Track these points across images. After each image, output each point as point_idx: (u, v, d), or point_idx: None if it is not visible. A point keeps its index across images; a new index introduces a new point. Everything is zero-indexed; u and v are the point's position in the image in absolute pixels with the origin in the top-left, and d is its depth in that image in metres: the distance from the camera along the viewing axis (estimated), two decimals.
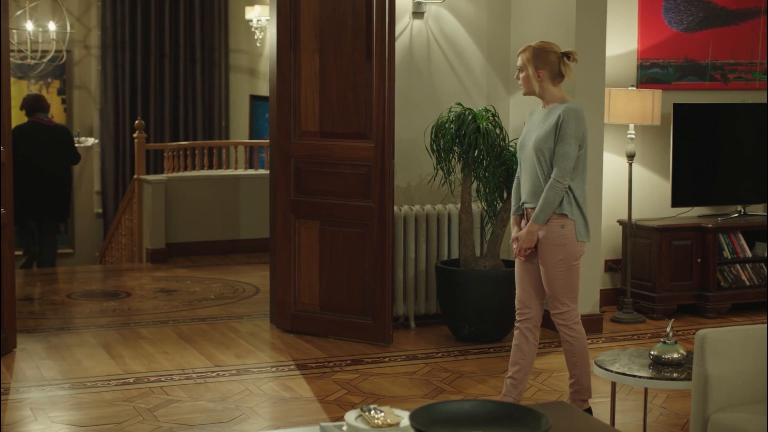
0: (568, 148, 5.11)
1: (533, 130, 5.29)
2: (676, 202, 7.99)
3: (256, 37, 12.40)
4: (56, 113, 14.08)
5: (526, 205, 5.33)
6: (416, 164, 7.44)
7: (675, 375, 4.77)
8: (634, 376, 4.80)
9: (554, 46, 5.29)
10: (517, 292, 5.45)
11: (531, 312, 5.40)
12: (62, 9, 12.97)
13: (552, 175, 5.14)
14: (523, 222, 5.37)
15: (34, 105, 10.02)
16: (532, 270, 5.35)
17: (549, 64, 5.22)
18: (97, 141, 13.89)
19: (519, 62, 5.31)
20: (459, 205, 7.19)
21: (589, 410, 5.48)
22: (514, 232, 5.42)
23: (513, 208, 5.45)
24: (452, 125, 6.94)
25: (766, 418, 3.96)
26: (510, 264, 7.18)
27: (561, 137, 5.12)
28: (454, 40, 7.56)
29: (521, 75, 5.29)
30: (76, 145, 11.05)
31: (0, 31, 6.46)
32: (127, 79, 13.87)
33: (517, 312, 5.44)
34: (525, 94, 5.35)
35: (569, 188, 5.17)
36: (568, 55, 5.26)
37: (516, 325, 5.44)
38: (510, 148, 6.99)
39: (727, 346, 4.17)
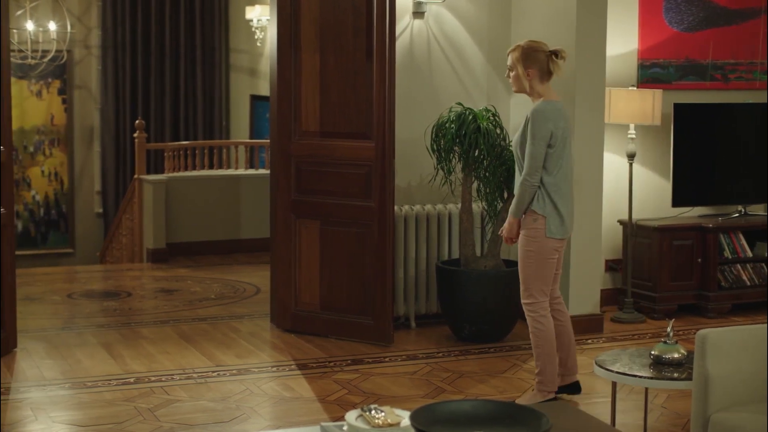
0: (532, 147, 5.40)
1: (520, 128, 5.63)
2: (677, 202, 7.99)
3: (256, 36, 12.40)
4: (57, 114, 14.08)
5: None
6: (417, 164, 7.43)
7: (675, 375, 4.77)
8: (635, 375, 4.80)
9: (543, 44, 5.55)
10: None
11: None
12: (63, 9, 12.97)
13: (522, 173, 5.46)
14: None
15: None
16: None
17: (538, 63, 5.48)
18: None
19: (509, 61, 5.57)
20: (459, 205, 7.19)
21: (553, 400, 5.64)
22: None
23: None
24: (453, 125, 6.93)
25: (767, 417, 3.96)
26: (510, 264, 7.19)
27: (529, 136, 5.42)
28: (454, 40, 7.56)
29: (511, 74, 5.56)
30: None
31: (0, 30, 6.46)
32: (128, 78, 13.87)
33: None
34: (516, 92, 5.64)
35: (542, 185, 5.46)
36: (556, 53, 5.52)
37: None
38: (510, 148, 6.99)
39: (727, 346, 4.17)
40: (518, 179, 5.56)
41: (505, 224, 5.65)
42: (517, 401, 5.59)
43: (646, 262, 7.83)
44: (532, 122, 5.41)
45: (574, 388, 5.82)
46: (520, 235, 5.59)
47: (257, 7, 12.08)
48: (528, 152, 5.41)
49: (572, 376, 5.82)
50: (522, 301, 5.65)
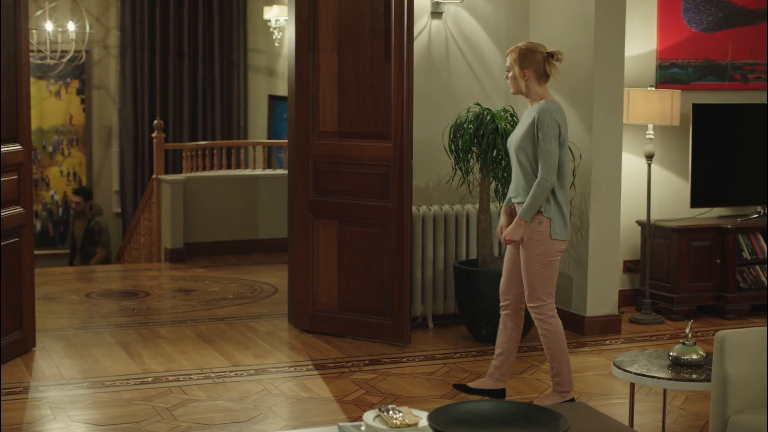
0: (549, 146, 5.37)
1: (518, 128, 5.57)
2: (696, 202, 7.96)
3: (274, 37, 12.42)
4: (75, 114, 14.13)
5: (513, 200, 5.62)
6: (435, 164, 7.43)
7: (694, 376, 4.76)
8: (653, 377, 4.79)
9: (540, 46, 5.55)
10: (501, 280, 5.77)
11: (510, 300, 5.72)
12: (81, 9, 13.01)
13: (538, 174, 5.39)
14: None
15: None
16: (515, 261, 5.65)
17: (534, 64, 5.48)
18: None
19: (507, 62, 5.58)
20: (477, 206, 7.18)
21: (571, 401, 5.62)
22: (501, 220, 5.73)
23: (505, 200, 5.75)
24: (471, 125, 6.93)
25: None
26: None
27: (540, 137, 5.39)
28: (472, 41, 7.55)
29: (509, 75, 5.57)
30: None
31: (20, 31, 6.49)
32: (146, 79, 13.91)
33: (500, 299, 5.77)
34: (513, 93, 5.63)
35: None
36: (553, 54, 5.50)
37: (500, 312, 5.77)
38: None
39: (746, 347, 4.16)
40: (516, 180, 5.53)
41: (512, 225, 5.49)
42: (535, 402, 5.59)
43: (665, 262, 7.81)
44: (541, 122, 5.38)
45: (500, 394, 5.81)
46: (525, 241, 5.51)
47: (275, 8, 12.10)
48: (544, 152, 5.37)
49: (504, 381, 5.82)
50: (528, 305, 5.61)
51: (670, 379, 4.76)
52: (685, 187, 8.06)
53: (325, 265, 7.12)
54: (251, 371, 6.38)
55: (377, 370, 6.41)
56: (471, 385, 5.86)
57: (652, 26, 7.98)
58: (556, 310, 5.63)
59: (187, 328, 7.49)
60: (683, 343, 4.91)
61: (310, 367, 6.48)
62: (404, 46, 6.70)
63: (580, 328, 7.25)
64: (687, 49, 8.09)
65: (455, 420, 3.27)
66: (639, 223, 7.94)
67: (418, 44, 7.31)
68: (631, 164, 7.82)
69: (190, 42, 14.04)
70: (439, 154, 7.30)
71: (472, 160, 7.03)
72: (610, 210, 7.27)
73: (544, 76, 5.48)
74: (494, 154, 6.90)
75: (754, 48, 8.27)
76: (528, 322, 7.08)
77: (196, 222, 10.81)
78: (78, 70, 13.80)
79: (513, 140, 5.55)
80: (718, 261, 7.82)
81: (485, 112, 6.95)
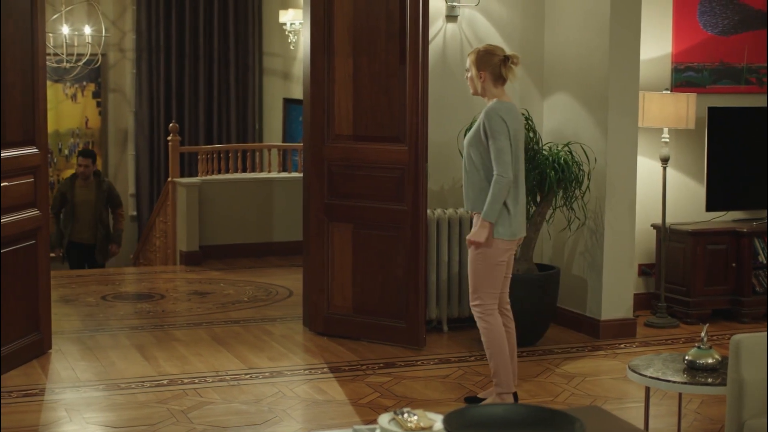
0: (499, 143, 5.43)
1: (472, 128, 5.66)
2: (711, 206, 7.94)
3: (289, 40, 12.44)
4: (91, 117, 14.17)
5: (465, 200, 5.67)
6: (449, 167, 7.43)
7: (710, 380, 4.75)
8: (669, 381, 4.78)
9: (499, 49, 5.64)
10: None
11: None
12: (98, 12, 13.05)
13: (494, 172, 5.43)
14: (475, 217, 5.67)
15: None
16: None
17: (491, 66, 5.56)
18: None
19: (467, 64, 5.68)
20: None
21: (514, 395, 5.64)
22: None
23: None
24: None
25: None
26: (543, 267, 7.17)
27: (490, 135, 5.45)
28: (487, 44, 7.54)
29: (468, 75, 5.66)
30: None
31: (37, 34, 6.52)
32: (162, 82, 13.95)
33: None
34: (472, 93, 5.71)
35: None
36: (509, 58, 5.58)
37: None
38: (543, 152, 6.98)
39: (762, 351, 4.15)
40: (466, 179, 5.57)
41: (477, 228, 5.49)
42: (480, 396, 5.75)
43: (680, 266, 7.79)
44: (487, 120, 5.45)
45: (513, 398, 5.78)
46: (468, 237, 5.58)
47: (290, 11, 12.12)
48: (494, 149, 5.42)
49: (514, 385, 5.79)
50: (471, 303, 5.65)
51: (685, 383, 4.75)
52: (700, 191, 8.04)
53: (340, 268, 7.13)
54: (266, 374, 6.39)
55: (392, 373, 6.41)
56: (482, 395, 5.85)
57: (668, 29, 7.97)
58: (496, 309, 5.62)
59: (202, 330, 7.51)
60: (699, 347, 4.90)
61: (324, 369, 6.49)
62: (419, 49, 6.70)
63: (595, 332, 7.24)
64: (702, 52, 8.07)
65: (470, 423, 3.27)
66: (654, 226, 7.93)
67: (433, 47, 7.31)
68: (647, 167, 7.81)
69: (205, 45, 14.07)
70: (454, 157, 7.30)
71: None
72: (625, 213, 7.26)
73: (500, 79, 5.56)
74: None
75: None
76: (538, 325, 7.09)
77: (211, 225, 10.83)
78: (94, 74, 13.84)
79: (465, 139, 5.65)
80: (734, 264, 7.80)
81: None
